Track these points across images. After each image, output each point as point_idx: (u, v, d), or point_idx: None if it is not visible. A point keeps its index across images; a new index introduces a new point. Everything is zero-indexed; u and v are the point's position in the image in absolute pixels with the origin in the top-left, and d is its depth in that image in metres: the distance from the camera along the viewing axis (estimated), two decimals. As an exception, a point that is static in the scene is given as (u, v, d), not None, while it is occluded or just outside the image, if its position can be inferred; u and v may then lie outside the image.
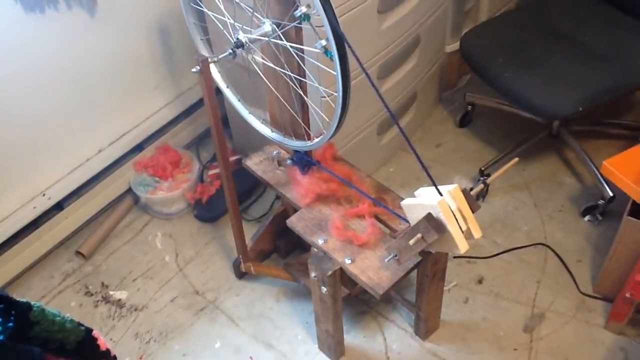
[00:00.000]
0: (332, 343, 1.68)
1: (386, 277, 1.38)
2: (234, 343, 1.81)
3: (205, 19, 1.83)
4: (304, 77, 1.40)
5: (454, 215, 1.18)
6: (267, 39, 1.32)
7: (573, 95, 1.84)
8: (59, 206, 2.02)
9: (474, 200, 1.22)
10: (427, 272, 1.53)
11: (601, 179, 2.00)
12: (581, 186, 2.16)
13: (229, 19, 1.36)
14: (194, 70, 1.38)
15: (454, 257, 1.94)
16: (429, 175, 1.21)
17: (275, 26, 1.29)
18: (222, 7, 1.38)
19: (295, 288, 1.92)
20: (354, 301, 1.85)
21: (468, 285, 1.89)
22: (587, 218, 2.04)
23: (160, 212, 2.18)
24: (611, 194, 1.97)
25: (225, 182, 1.65)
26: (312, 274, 1.49)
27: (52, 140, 1.94)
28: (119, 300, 1.94)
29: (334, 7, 1.11)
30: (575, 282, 1.87)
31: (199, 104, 2.29)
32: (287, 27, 1.28)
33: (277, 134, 1.56)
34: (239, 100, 1.61)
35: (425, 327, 1.74)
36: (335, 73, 1.17)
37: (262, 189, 2.23)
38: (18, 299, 0.96)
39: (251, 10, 1.31)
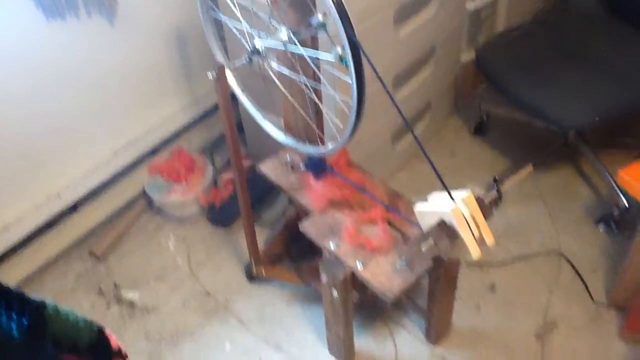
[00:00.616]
0: (343, 347, 1.68)
1: (397, 282, 1.37)
2: (244, 345, 1.82)
3: (223, 27, 1.85)
4: (319, 84, 1.41)
5: (467, 222, 1.18)
6: (283, 46, 1.33)
7: (589, 107, 1.85)
8: (73, 207, 2.04)
9: (487, 207, 1.22)
10: (438, 278, 1.53)
11: (616, 189, 1.99)
12: (596, 197, 2.14)
13: (245, 26, 1.37)
14: (210, 76, 1.39)
15: (466, 264, 1.93)
16: (442, 183, 1.21)
17: (291, 34, 1.31)
18: (239, 14, 1.40)
19: (306, 292, 1.92)
20: (365, 306, 1.85)
21: (480, 292, 1.89)
22: (601, 228, 2.03)
23: (174, 216, 2.19)
24: (626, 204, 1.96)
25: (239, 186, 1.66)
26: (324, 278, 1.49)
27: (68, 142, 1.96)
28: (131, 301, 1.95)
29: (350, 15, 1.11)
30: (589, 292, 1.86)
31: (214, 109, 2.31)
32: (304, 35, 1.29)
33: (292, 139, 1.57)
34: (253, 106, 1.62)
35: (436, 333, 1.73)
36: (350, 81, 1.17)
37: (276, 194, 2.24)
38: (32, 298, 0.97)
39: (268, 18, 1.32)
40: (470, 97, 2.57)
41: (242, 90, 1.61)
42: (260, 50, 1.34)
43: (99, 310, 1.94)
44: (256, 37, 1.34)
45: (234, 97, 1.59)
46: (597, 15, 2.20)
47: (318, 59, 1.32)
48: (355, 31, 1.12)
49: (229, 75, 1.56)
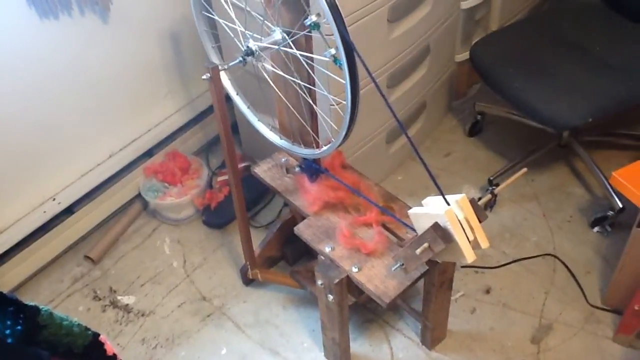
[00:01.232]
0: (338, 351, 1.68)
1: (393, 286, 1.37)
2: (240, 350, 1.81)
3: (217, 27, 1.85)
4: (313, 86, 1.41)
5: (461, 225, 1.18)
6: (277, 47, 1.33)
7: (583, 106, 1.84)
8: (68, 210, 2.03)
9: (482, 210, 1.22)
10: (434, 282, 1.53)
11: (610, 190, 1.99)
12: (590, 197, 2.15)
13: (239, 27, 1.37)
14: (204, 77, 1.39)
15: (462, 267, 1.93)
16: (436, 185, 1.21)
17: (285, 34, 1.30)
18: (233, 15, 1.39)
19: (302, 295, 1.92)
20: (361, 309, 1.85)
21: (475, 295, 1.89)
22: (596, 229, 2.03)
23: (169, 218, 2.19)
24: (620, 206, 1.96)
25: (234, 188, 1.65)
26: (319, 282, 1.49)
27: (62, 144, 1.95)
28: (127, 305, 1.95)
29: (343, 16, 1.11)
30: (584, 294, 1.86)
31: (209, 110, 2.30)
32: (297, 36, 1.29)
33: (286, 141, 1.56)
34: (248, 108, 1.62)
35: (432, 336, 1.73)
36: (344, 82, 1.17)
37: (271, 196, 2.23)
38: (27, 303, 0.97)
39: (262, 19, 1.32)
40: (465, 97, 2.57)
41: (237, 93, 1.61)
42: (254, 50, 1.34)
43: (95, 314, 1.93)
44: (250, 38, 1.34)
45: (228, 98, 1.58)
46: (592, 8, 2.19)
47: (312, 59, 1.32)
48: (349, 31, 1.12)
49: (224, 78, 1.55)
